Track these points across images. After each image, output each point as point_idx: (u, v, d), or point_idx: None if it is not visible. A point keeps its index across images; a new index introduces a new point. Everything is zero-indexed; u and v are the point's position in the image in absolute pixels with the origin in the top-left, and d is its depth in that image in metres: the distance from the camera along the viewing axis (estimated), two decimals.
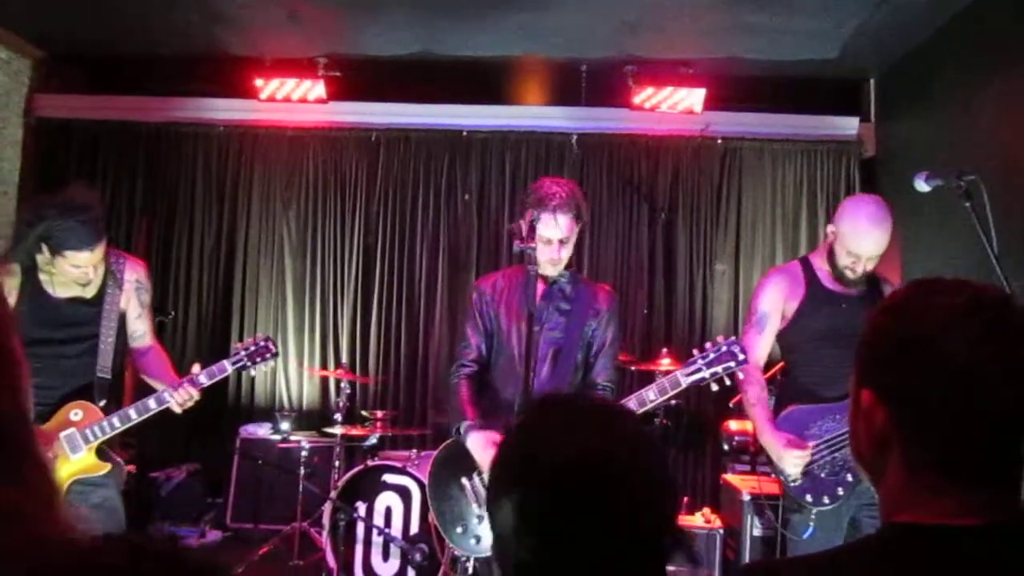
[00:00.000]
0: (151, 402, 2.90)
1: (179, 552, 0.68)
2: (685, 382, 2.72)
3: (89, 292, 2.95)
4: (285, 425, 5.49)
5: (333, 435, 4.83)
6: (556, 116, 5.99)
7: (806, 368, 3.03)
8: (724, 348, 2.73)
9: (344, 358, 5.91)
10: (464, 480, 2.86)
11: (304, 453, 4.80)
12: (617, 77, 5.61)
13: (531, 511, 1.01)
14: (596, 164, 5.97)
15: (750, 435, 4.55)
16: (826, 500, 2.84)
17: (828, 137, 5.87)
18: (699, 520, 4.45)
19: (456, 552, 2.93)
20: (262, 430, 5.58)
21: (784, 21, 4.84)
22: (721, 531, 4.34)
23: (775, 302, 3.07)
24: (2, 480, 0.72)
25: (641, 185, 5.94)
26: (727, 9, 4.77)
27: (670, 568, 1.15)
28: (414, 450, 4.63)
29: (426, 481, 2.99)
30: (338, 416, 4.80)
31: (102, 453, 2.92)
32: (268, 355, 3.10)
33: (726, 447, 4.87)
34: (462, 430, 2.85)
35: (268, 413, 5.80)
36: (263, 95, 5.77)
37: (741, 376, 2.85)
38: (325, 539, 4.40)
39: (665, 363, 4.72)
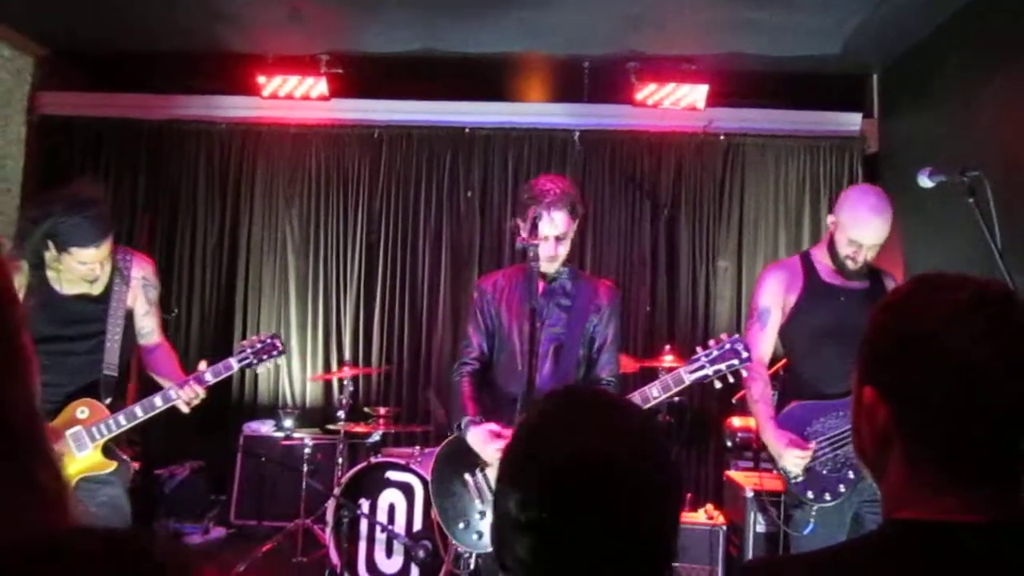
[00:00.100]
0: (157, 400, 2.90)
1: (150, 544, 0.69)
2: (689, 379, 2.73)
3: (96, 289, 2.94)
4: (288, 422, 5.50)
5: (336, 432, 4.84)
6: (558, 113, 5.99)
7: (807, 364, 3.04)
8: (728, 345, 2.73)
9: (347, 355, 5.92)
10: (467, 476, 2.87)
11: (307, 450, 4.81)
12: (619, 73, 5.61)
13: (531, 511, 1.01)
14: (599, 161, 5.97)
15: (753, 432, 4.55)
16: (827, 497, 2.84)
17: (831, 133, 5.86)
18: (702, 516, 4.46)
19: (459, 548, 2.94)
20: (265, 427, 5.59)
21: (785, 18, 4.84)
22: (724, 528, 4.34)
23: (775, 297, 3.07)
24: (13, 478, 0.72)
25: (644, 182, 5.94)
26: (728, 5, 4.77)
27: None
28: (417, 447, 4.64)
29: (429, 478, 3.00)
30: (341, 413, 4.80)
31: (108, 451, 2.92)
32: (275, 352, 3.09)
33: (729, 444, 4.87)
34: (463, 426, 2.86)
35: (271, 410, 5.81)
36: (265, 92, 5.78)
37: (744, 373, 2.85)
38: (328, 536, 4.41)
39: (668, 360, 4.72)
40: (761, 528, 4.07)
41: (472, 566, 2.92)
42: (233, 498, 5.46)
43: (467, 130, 5.98)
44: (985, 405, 0.96)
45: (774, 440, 2.87)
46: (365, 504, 4.39)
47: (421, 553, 4.21)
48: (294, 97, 5.80)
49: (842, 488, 2.84)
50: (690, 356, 2.79)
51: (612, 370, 2.98)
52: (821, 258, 3.07)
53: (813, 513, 2.84)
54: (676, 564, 4.03)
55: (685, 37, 5.31)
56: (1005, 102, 4.14)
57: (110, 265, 2.95)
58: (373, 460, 4.51)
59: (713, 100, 5.62)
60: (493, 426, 2.78)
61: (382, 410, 4.99)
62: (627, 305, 5.65)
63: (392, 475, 4.44)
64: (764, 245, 5.84)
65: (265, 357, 3.08)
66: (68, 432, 2.83)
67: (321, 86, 5.72)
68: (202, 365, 2.98)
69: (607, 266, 5.81)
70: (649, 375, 4.19)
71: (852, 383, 1.09)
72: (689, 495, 4.86)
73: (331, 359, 5.99)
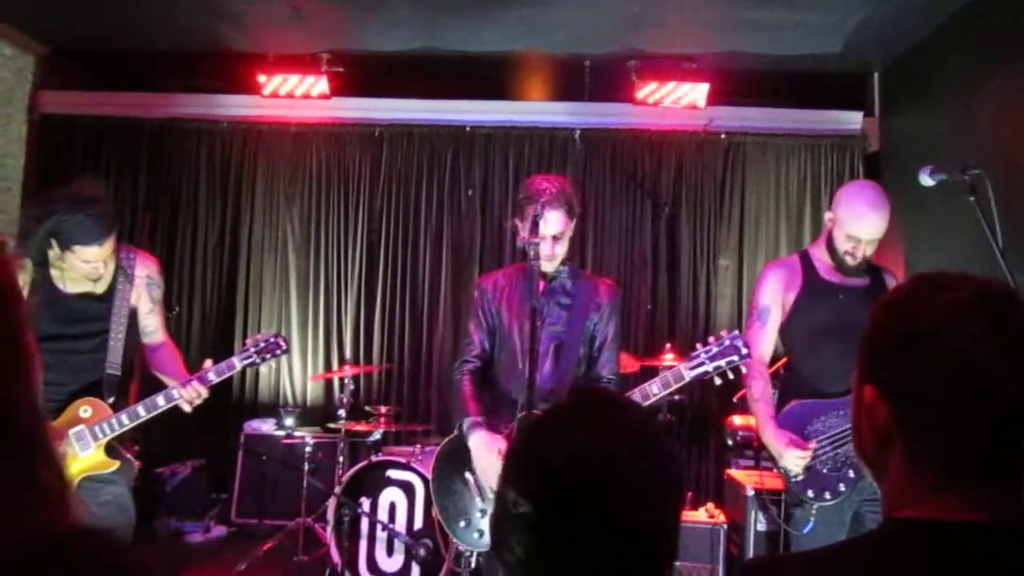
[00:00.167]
0: (160, 399, 2.89)
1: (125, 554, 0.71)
2: (688, 376, 2.73)
3: (100, 287, 2.93)
4: (289, 421, 5.50)
5: (337, 431, 4.84)
6: (559, 111, 5.99)
7: (807, 362, 3.03)
8: (727, 342, 2.73)
9: (348, 354, 5.92)
10: (467, 475, 2.87)
11: (308, 449, 4.81)
12: (620, 72, 5.60)
13: (531, 510, 1.01)
14: (599, 159, 5.97)
15: (754, 430, 4.55)
16: (827, 496, 2.84)
17: (832, 132, 5.86)
18: (703, 515, 4.46)
19: (460, 547, 2.94)
20: (266, 426, 5.60)
21: (786, 16, 4.84)
22: (725, 526, 4.34)
23: (775, 294, 3.07)
24: (15, 476, 0.73)
25: (644, 180, 5.93)
26: (729, 4, 4.77)
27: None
28: (418, 445, 4.64)
29: (430, 476, 3.00)
30: (342, 412, 4.80)
31: (111, 450, 2.91)
32: (278, 351, 3.09)
33: (730, 442, 4.87)
34: (465, 426, 2.85)
35: (272, 409, 5.81)
36: (266, 91, 5.77)
37: (744, 371, 2.85)
38: (329, 535, 4.41)
39: (669, 359, 4.72)
40: (762, 527, 4.07)
41: (473, 564, 2.92)
42: (234, 497, 5.46)
43: (468, 129, 5.98)
44: (986, 404, 0.96)
45: (774, 440, 2.87)
46: (366, 503, 4.39)
47: (422, 552, 4.21)
48: (295, 96, 5.79)
49: (842, 487, 2.84)
50: (690, 354, 2.79)
51: (612, 368, 2.98)
52: (820, 256, 3.07)
53: (813, 512, 2.84)
54: (677, 563, 4.03)
55: (686, 36, 5.31)
56: (1005, 101, 4.14)
57: (114, 263, 2.95)
58: (374, 459, 4.51)
59: (714, 99, 5.61)
60: (500, 440, 2.77)
61: (383, 409, 4.99)
62: (628, 304, 5.65)
63: (393, 474, 4.45)
64: (765, 244, 5.84)
65: (268, 356, 3.07)
66: (71, 431, 2.82)
67: (322, 85, 5.72)
68: (207, 364, 2.97)
69: (608, 265, 5.81)
70: (650, 374, 4.17)
71: (852, 382, 1.09)
72: (690, 494, 4.86)
73: (332, 358, 6.00)
